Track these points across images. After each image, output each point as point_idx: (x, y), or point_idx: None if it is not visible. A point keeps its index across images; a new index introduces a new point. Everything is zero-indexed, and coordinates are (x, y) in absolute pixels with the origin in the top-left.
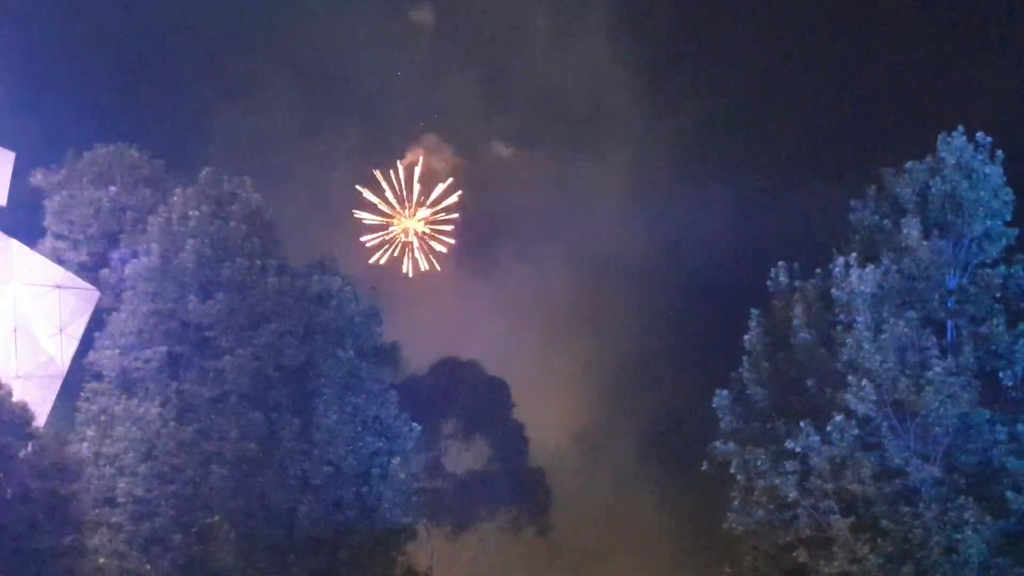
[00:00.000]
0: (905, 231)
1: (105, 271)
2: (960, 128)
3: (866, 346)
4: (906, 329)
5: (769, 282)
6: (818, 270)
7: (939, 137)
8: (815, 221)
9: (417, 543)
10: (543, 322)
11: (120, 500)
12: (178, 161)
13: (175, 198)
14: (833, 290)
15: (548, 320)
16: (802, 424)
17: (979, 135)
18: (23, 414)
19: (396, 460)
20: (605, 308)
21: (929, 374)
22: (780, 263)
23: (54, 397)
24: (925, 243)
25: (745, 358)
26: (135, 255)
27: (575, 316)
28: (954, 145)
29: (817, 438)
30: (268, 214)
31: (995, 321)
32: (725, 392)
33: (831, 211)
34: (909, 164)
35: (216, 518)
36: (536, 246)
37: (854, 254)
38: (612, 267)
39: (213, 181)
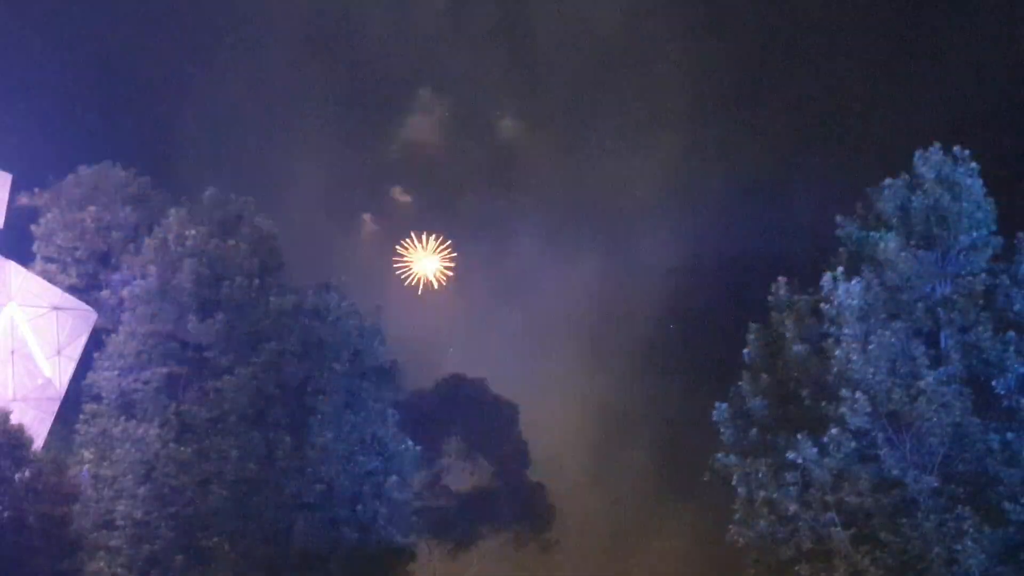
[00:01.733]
0: (882, 244)
1: (106, 292)
2: (936, 144)
3: (855, 357)
4: (893, 340)
5: (770, 297)
6: (810, 289)
7: (916, 153)
8: (812, 236)
9: (419, 561)
10: (544, 337)
11: (119, 523)
12: (166, 178)
13: (170, 218)
14: (822, 304)
15: (549, 335)
16: (799, 436)
17: (956, 148)
18: (21, 437)
19: (392, 479)
20: (607, 321)
21: (921, 384)
22: (780, 278)
23: (52, 419)
24: (903, 254)
25: (744, 371)
26: (131, 276)
27: (577, 330)
28: (932, 160)
29: (815, 450)
30: (275, 236)
31: (981, 329)
32: (724, 405)
33: (826, 226)
34: (887, 181)
35: (215, 540)
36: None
37: (840, 268)
38: (616, 281)
39: (217, 202)
